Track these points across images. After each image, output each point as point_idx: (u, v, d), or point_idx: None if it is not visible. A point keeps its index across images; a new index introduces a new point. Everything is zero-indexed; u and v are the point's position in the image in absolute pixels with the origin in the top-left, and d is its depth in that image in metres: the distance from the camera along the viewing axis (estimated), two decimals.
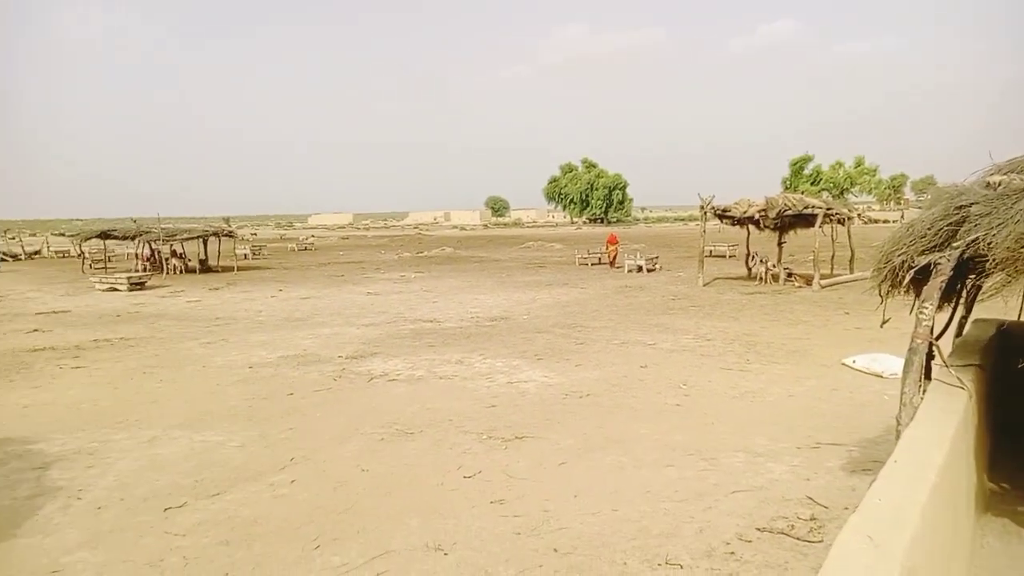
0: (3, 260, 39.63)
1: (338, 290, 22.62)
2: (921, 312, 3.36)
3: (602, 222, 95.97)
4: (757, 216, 21.94)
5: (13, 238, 53.54)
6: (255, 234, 40.99)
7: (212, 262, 31.89)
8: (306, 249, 49.06)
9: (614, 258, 29.85)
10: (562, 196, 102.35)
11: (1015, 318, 5.27)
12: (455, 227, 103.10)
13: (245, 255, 39.01)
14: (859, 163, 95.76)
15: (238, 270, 30.97)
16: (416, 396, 8.97)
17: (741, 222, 23.19)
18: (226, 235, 32.21)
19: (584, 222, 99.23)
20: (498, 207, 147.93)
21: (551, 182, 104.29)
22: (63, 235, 57.01)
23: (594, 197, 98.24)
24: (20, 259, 42.40)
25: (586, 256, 31.41)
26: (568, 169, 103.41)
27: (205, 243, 32.16)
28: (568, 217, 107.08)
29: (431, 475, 6.21)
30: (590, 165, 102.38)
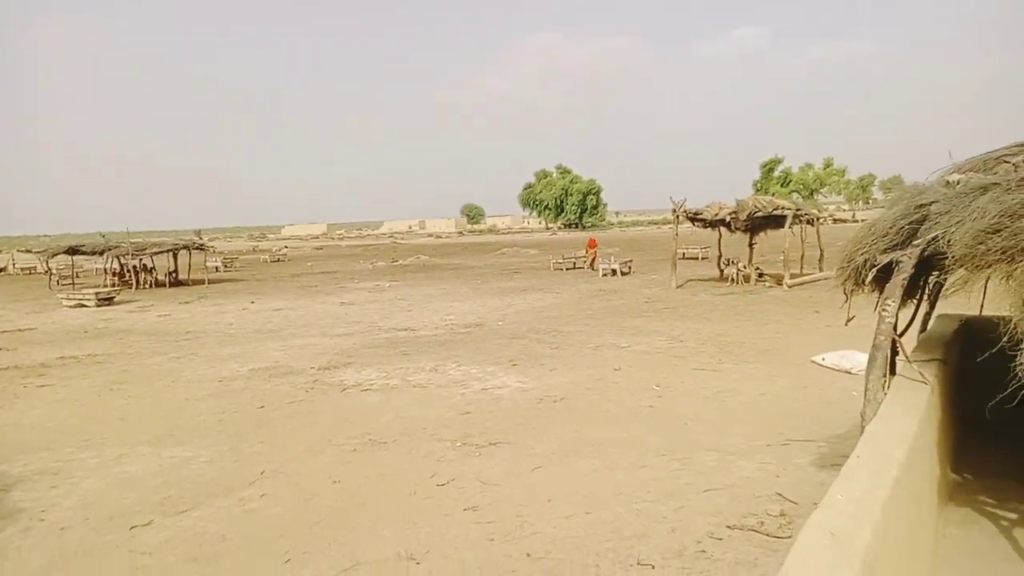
0: None
1: (311, 301, 22.39)
2: (884, 309, 3.40)
3: (577, 227, 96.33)
4: (728, 218, 22.21)
5: None
6: (213, 247, 40.19)
7: (183, 275, 31.42)
8: (279, 260, 48.53)
9: (593, 260, 29.98)
10: (537, 202, 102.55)
11: (979, 312, 5.37)
12: (430, 235, 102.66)
13: (216, 268, 38.49)
14: (828, 164, 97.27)
15: (209, 283, 30.53)
16: (390, 405, 8.89)
17: (713, 224, 23.44)
18: (197, 248, 31.77)
19: (559, 227, 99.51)
20: (473, 214, 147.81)
21: (526, 188, 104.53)
22: (30, 251, 55.76)
23: (568, 203, 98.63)
24: None
25: (561, 261, 31.47)
26: (543, 175, 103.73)
27: (175, 256, 31.66)
28: (543, 223, 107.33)
29: (404, 484, 6.14)
30: (564, 171, 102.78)
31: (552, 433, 7.45)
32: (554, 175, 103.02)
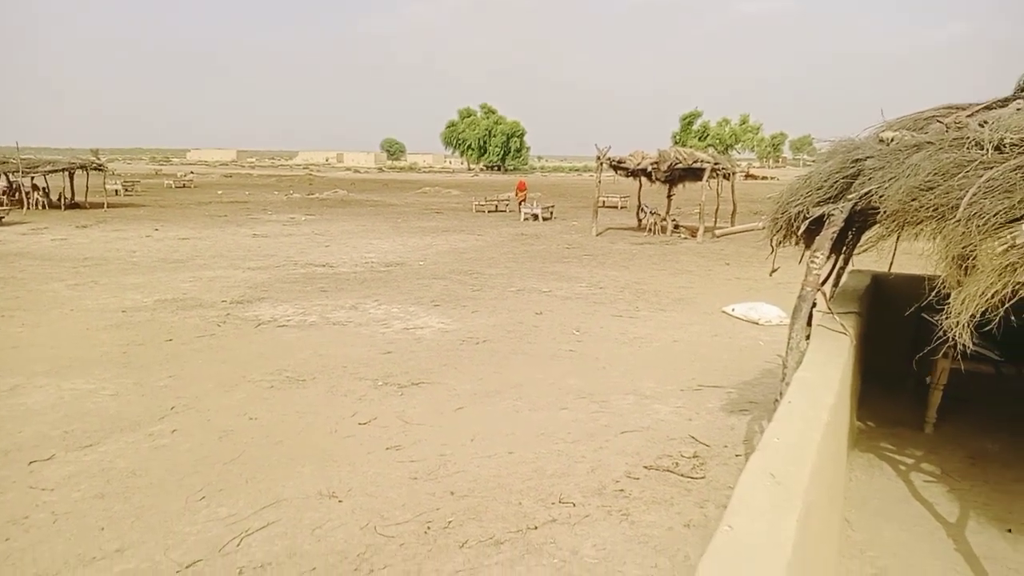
0: None
1: (221, 231, 21.42)
2: (812, 261, 3.51)
3: (499, 170, 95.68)
4: (650, 168, 22.51)
5: None
6: (112, 169, 36.65)
7: (79, 198, 29.35)
8: (184, 186, 46.04)
9: (522, 204, 29.92)
10: (460, 142, 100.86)
11: (888, 270, 5.68)
12: (348, 169, 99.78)
13: (116, 191, 36.16)
14: (744, 120, 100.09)
15: (108, 207, 28.69)
16: (308, 342, 8.68)
17: (634, 174, 23.71)
18: (95, 168, 29.64)
19: (481, 169, 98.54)
20: (394, 150, 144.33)
21: (449, 127, 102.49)
22: None
23: (492, 144, 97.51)
24: None
25: (483, 203, 31.26)
26: (466, 114, 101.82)
27: (71, 177, 29.48)
28: (465, 163, 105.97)
29: (324, 422, 6.04)
30: (489, 111, 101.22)
31: (474, 374, 7.48)
32: (478, 115, 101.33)
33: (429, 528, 4.26)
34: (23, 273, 13.27)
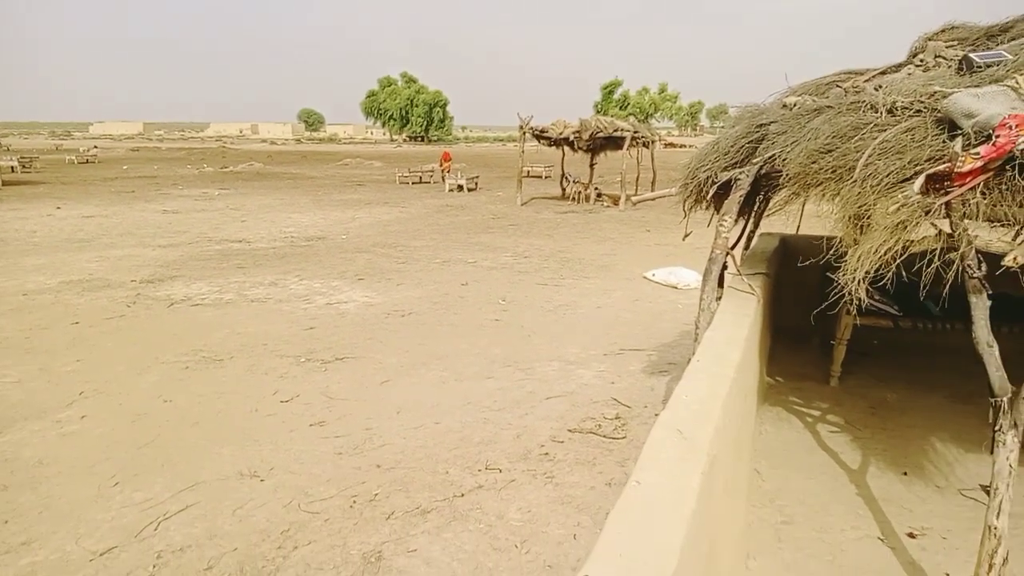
0: None
1: (129, 208, 20.36)
2: (721, 225, 3.63)
3: (423, 140, 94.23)
4: (572, 137, 22.62)
5: None
6: (7, 145, 33.88)
7: None
8: (88, 161, 43.40)
9: (446, 174, 29.59)
10: (381, 112, 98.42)
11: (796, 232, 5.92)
12: (264, 141, 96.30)
13: (12, 168, 33.74)
14: (663, 89, 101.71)
15: (4, 185, 26.79)
16: (224, 321, 8.40)
17: (557, 143, 23.80)
18: None
19: (405, 139, 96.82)
20: (312, 121, 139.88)
21: (369, 96, 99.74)
22: None
23: (414, 114, 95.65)
24: None
25: (407, 175, 30.78)
26: (387, 83, 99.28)
27: None
28: (388, 134, 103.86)
29: (244, 402, 5.89)
30: (410, 80, 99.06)
31: (400, 347, 7.43)
32: (399, 84, 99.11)
33: (355, 502, 4.23)
34: None
